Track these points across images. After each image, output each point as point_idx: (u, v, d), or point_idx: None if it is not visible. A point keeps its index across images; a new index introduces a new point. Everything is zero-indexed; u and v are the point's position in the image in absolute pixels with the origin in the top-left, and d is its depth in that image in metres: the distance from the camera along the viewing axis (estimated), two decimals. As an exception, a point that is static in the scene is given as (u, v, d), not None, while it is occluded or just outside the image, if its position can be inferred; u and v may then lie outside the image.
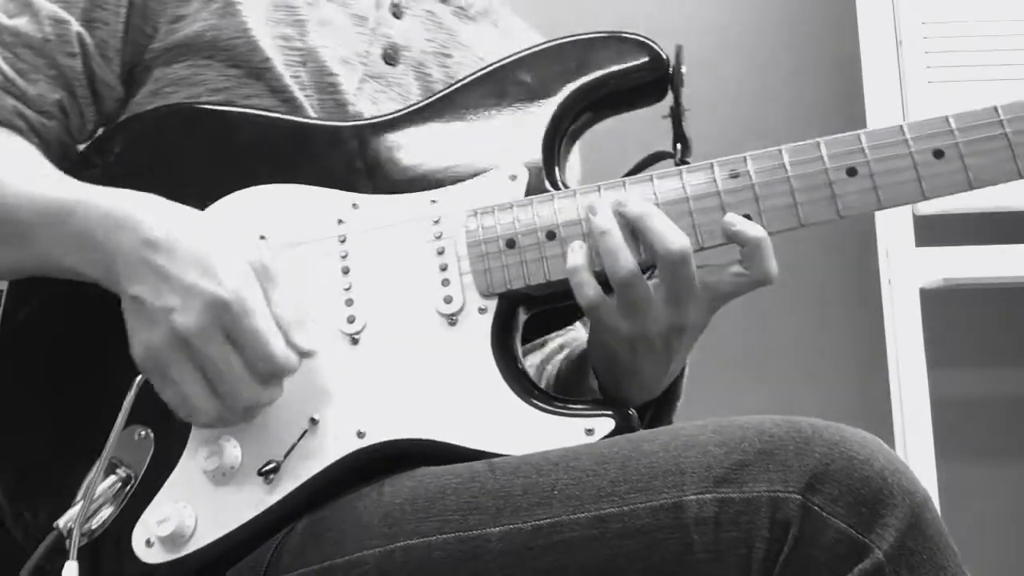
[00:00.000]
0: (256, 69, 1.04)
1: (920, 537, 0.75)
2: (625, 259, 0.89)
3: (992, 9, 2.36)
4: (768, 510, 0.76)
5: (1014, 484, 2.41)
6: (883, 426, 2.26)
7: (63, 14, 1.03)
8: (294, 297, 0.90)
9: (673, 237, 0.89)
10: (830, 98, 2.42)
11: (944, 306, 2.35)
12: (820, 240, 2.38)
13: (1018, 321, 2.46)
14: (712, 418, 0.84)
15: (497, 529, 0.81)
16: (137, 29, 1.05)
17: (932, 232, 2.33)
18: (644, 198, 0.92)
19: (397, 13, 1.13)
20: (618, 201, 0.92)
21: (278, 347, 0.87)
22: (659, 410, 1.04)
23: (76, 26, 1.03)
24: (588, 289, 0.91)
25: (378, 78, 1.09)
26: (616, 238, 0.90)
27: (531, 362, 1.14)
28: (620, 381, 0.98)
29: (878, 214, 2.32)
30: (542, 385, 1.10)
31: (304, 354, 0.89)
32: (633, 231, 0.91)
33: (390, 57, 1.11)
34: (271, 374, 0.87)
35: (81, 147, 1.08)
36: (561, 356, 1.14)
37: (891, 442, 2.23)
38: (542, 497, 0.81)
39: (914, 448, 2.22)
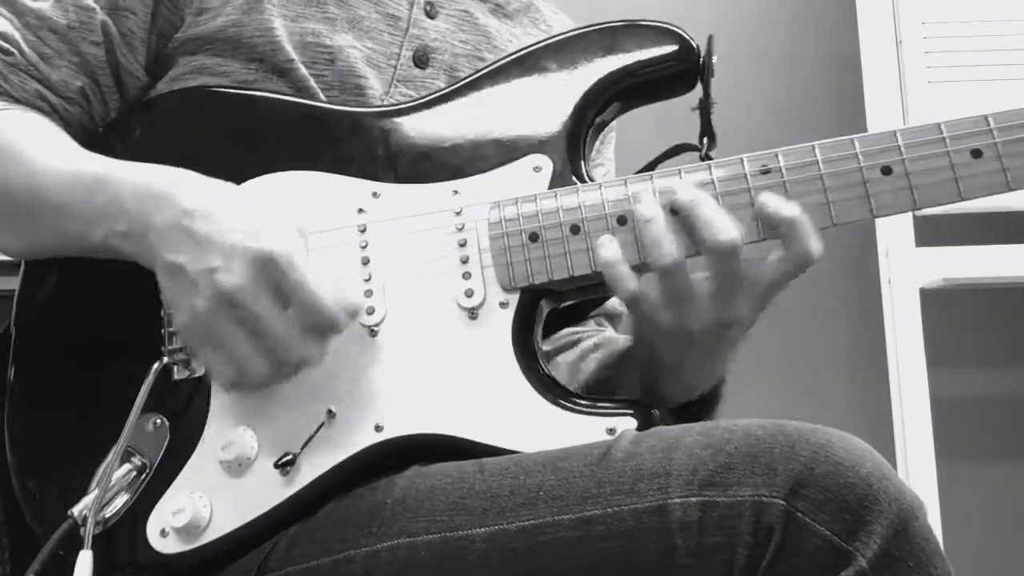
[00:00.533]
0: (280, 67, 1.02)
1: (906, 545, 0.73)
2: (669, 248, 0.87)
3: (992, 9, 2.36)
4: (752, 515, 0.75)
5: (1014, 484, 2.41)
6: (883, 426, 2.26)
7: (88, 1, 1.02)
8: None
9: (724, 227, 0.86)
10: (830, 98, 2.42)
11: (944, 306, 2.35)
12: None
13: (1018, 321, 2.46)
14: (700, 421, 0.83)
15: (483, 530, 0.81)
16: (165, 18, 1.04)
17: (932, 232, 2.33)
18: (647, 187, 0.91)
19: (431, 12, 1.11)
20: (668, 188, 0.90)
21: (327, 298, 0.86)
22: (700, 416, 1.01)
23: (101, 14, 1.01)
24: (628, 283, 0.88)
25: (407, 82, 1.07)
26: (660, 227, 0.87)
27: (564, 359, 1.13)
28: (659, 378, 0.97)
29: (878, 214, 2.31)
30: (578, 383, 1.09)
31: (350, 307, 0.88)
32: (678, 219, 0.88)
33: (420, 59, 1.08)
34: (321, 325, 0.86)
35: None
36: (596, 354, 1.12)
37: (891, 442, 2.23)
38: (528, 498, 0.81)
39: (914, 448, 2.22)
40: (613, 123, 1.21)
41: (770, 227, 0.88)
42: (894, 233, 2.31)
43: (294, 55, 1.02)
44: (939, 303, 2.33)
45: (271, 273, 0.84)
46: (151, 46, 1.04)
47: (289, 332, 0.85)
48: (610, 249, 0.89)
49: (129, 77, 1.04)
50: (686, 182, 0.90)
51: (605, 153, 1.23)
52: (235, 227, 0.86)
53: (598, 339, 1.13)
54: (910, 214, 2.29)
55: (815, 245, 0.88)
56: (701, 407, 1.01)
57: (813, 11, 2.50)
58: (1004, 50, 2.35)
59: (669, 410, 0.96)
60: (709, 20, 2.46)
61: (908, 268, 2.29)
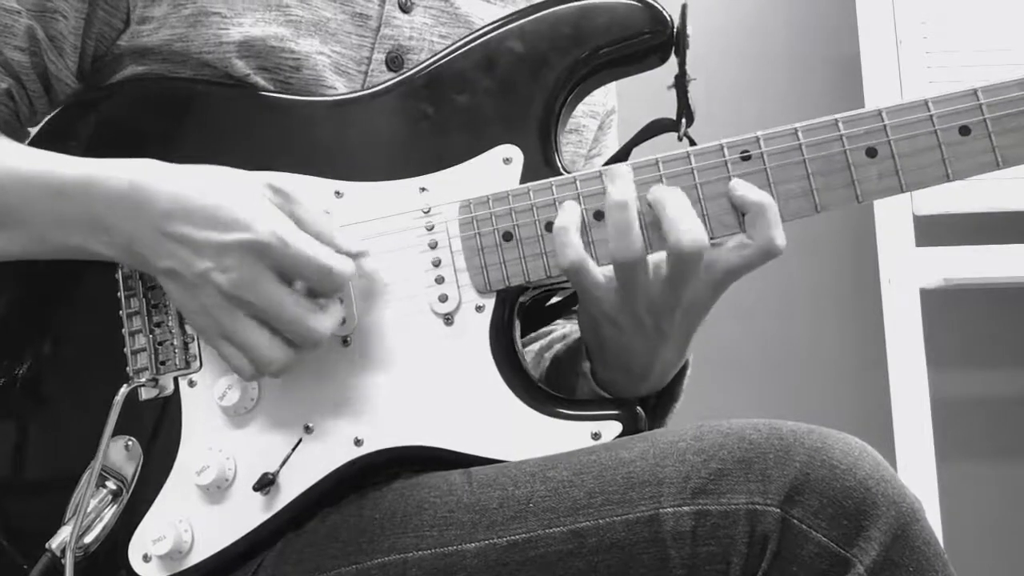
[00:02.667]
0: (236, 79, 0.96)
1: (906, 549, 0.72)
2: (636, 241, 0.83)
3: (992, 9, 2.36)
4: (746, 523, 0.73)
5: (1014, 484, 2.41)
6: (883, 426, 2.26)
7: (12, 3, 0.94)
8: (316, 207, 0.87)
9: (690, 228, 0.82)
10: (830, 98, 2.42)
11: (944, 306, 2.34)
12: (820, 240, 2.38)
13: (1018, 321, 2.45)
14: (693, 423, 0.81)
15: (473, 545, 0.79)
16: (103, 21, 0.97)
17: (932, 232, 2.32)
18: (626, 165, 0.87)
19: (405, 6, 1.02)
20: (643, 182, 0.86)
21: (331, 258, 0.84)
22: (653, 413, 0.98)
23: (25, 18, 0.94)
24: (571, 251, 0.84)
25: None
26: (631, 215, 0.83)
27: (530, 349, 1.10)
28: (608, 361, 0.93)
29: (878, 213, 2.32)
30: (539, 373, 1.06)
31: (357, 253, 0.86)
32: (649, 211, 0.85)
33: (394, 62, 1.01)
34: (334, 287, 0.85)
35: (41, 124, 1.02)
36: (561, 344, 1.08)
37: (891, 442, 2.23)
38: (517, 511, 0.79)
39: (914, 448, 2.22)
40: (615, 106, 1.18)
41: (741, 214, 0.85)
42: (894, 233, 2.31)
43: (248, 69, 0.95)
44: (939, 303, 2.33)
45: (267, 258, 0.82)
46: (86, 51, 0.98)
47: (299, 313, 0.83)
48: (568, 215, 0.85)
49: (58, 83, 0.99)
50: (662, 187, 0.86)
51: (604, 140, 1.17)
52: (214, 220, 0.83)
53: (567, 329, 1.10)
54: (910, 214, 2.29)
55: (779, 235, 0.84)
56: (653, 408, 0.98)
57: (813, 11, 2.50)
58: (1004, 50, 2.35)
59: None
60: (709, 21, 2.46)
61: (908, 268, 2.29)
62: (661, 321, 0.87)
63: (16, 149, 0.92)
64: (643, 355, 0.90)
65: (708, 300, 0.87)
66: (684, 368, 0.97)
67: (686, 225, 0.83)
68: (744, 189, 0.85)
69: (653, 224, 0.85)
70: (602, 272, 0.86)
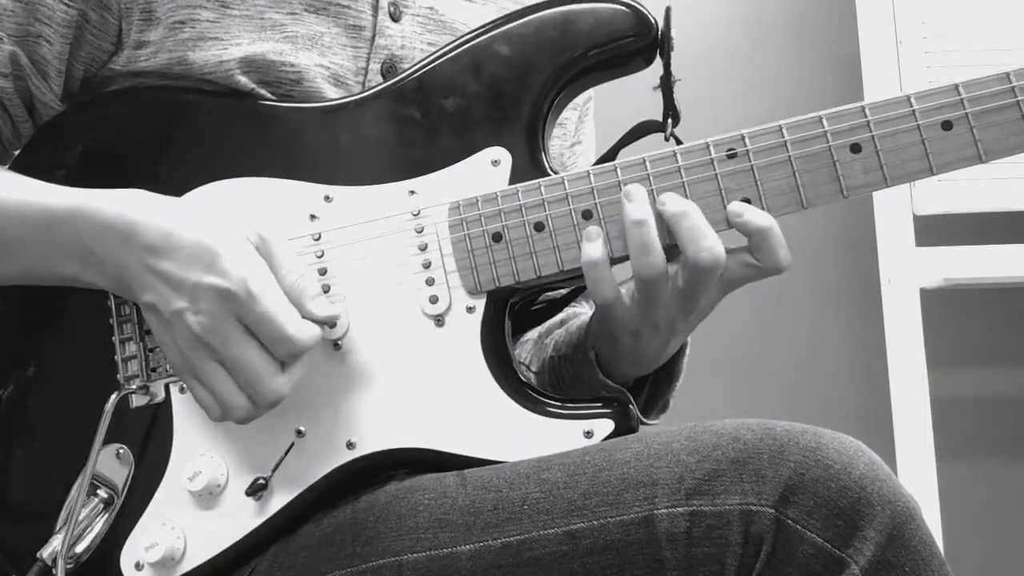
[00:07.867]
0: (240, 93, 0.97)
1: (901, 549, 0.71)
2: (657, 257, 0.84)
3: (992, 9, 2.36)
4: (740, 524, 0.73)
5: (1014, 484, 2.41)
6: (883, 426, 2.26)
7: None
8: (299, 263, 0.86)
9: (708, 246, 0.84)
10: (830, 98, 2.42)
11: (944, 306, 2.35)
12: (820, 240, 2.38)
13: (1018, 321, 2.45)
14: (688, 423, 0.81)
15: (468, 547, 0.79)
16: (92, 45, 0.97)
17: (932, 232, 2.32)
18: (639, 183, 0.88)
19: (395, 14, 1.04)
20: (653, 192, 0.87)
21: (292, 326, 0.82)
22: (656, 387, 1.00)
23: (8, 44, 0.94)
24: (607, 288, 0.86)
25: None
26: (651, 232, 0.85)
27: (528, 336, 1.11)
28: (620, 360, 0.94)
29: (878, 213, 2.32)
30: (541, 359, 1.07)
31: (325, 321, 0.85)
32: (665, 225, 0.86)
33: (389, 71, 1.02)
34: (292, 355, 0.83)
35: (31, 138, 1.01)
36: (561, 330, 1.08)
37: (891, 442, 2.23)
38: (512, 512, 0.79)
39: (914, 448, 2.22)
40: (591, 94, 1.18)
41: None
42: (894, 233, 2.31)
43: (252, 84, 0.96)
44: (939, 303, 2.33)
45: (235, 308, 0.81)
46: (73, 74, 0.99)
47: (259, 369, 0.82)
48: (596, 247, 0.87)
49: (42, 106, 0.99)
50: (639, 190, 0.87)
51: (583, 128, 1.19)
52: (196, 260, 0.82)
53: (564, 315, 1.11)
54: (910, 214, 2.29)
55: (786, 255, 0.86)
56: (657, 383, 0.99)
57: (813, 11, 2.50)
58: (1004, 50, 2.35)
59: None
60: (709, 21, 2.46)
61: (908, 268, 2.29)
62: (676, 323, 0.89)
63: (3, 178, 0.91)
64: (656, 351, 0.92)
65: (718, 299, 0.90)
66: (683, 346, 0.99)
67: (707, 243, 0.84)
68: (747, 215, 0.86)
69: (669, 235, 0.86)
70: (625, 292, 0.87)
